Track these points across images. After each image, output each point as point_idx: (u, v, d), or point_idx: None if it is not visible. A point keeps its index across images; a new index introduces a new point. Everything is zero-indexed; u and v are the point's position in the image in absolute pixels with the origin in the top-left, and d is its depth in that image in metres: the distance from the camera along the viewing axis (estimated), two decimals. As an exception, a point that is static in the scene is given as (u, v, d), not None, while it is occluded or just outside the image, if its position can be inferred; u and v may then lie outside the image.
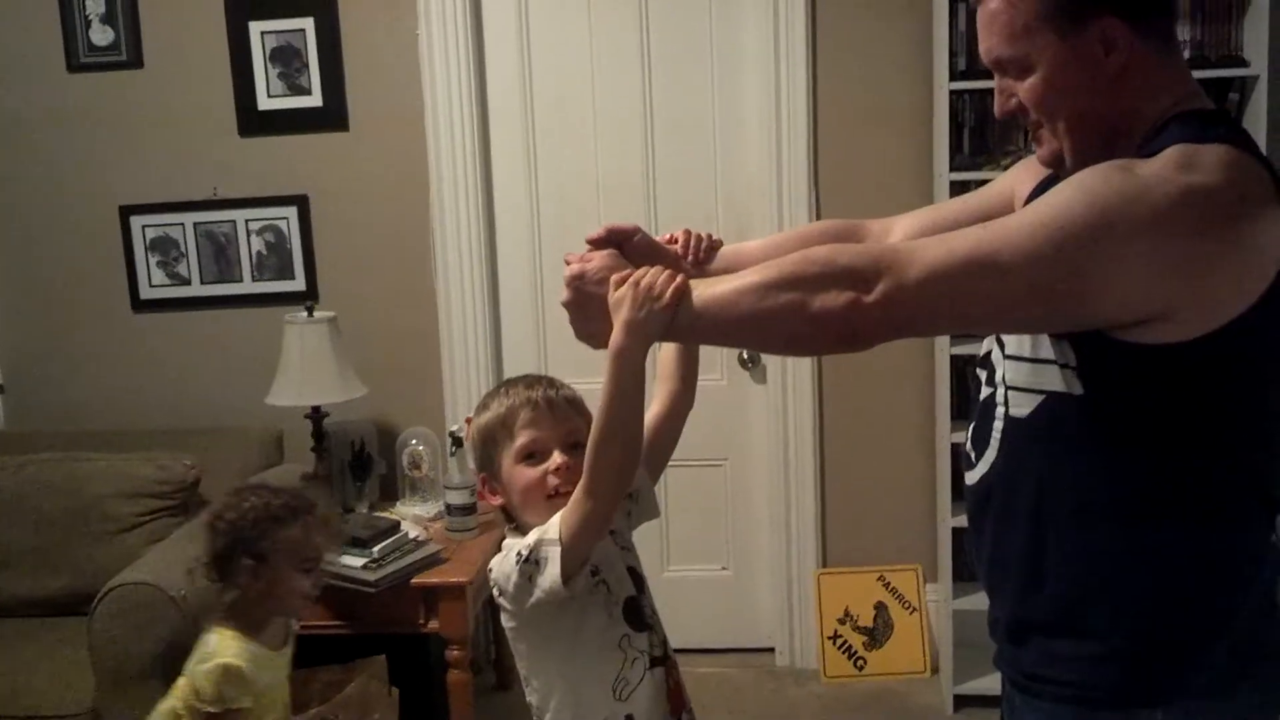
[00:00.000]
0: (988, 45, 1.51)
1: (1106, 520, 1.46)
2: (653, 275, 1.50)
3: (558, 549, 1.68)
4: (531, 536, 1.72)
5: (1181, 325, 1.34)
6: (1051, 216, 1.33)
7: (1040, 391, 1.47)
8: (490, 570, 1.81)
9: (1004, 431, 1.54)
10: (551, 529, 1.70)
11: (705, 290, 1.48)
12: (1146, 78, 1.46)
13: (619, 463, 1.62)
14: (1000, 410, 1.55)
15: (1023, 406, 1.50)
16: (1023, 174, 1.72)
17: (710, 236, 1.91)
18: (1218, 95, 3.44)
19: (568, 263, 1.65)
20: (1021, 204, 1.65)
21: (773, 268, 1.42)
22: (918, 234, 1.80)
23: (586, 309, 1.60)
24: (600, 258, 1.64)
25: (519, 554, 1.72)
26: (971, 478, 1.63)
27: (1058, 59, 1.45)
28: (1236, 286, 1.34)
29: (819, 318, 1.38)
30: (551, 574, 1.68)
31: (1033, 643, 1.56)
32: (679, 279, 1.50)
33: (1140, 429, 1.41)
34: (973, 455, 1.62)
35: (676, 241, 1.89)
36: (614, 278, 1.55)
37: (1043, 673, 1.54)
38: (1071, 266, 1.31)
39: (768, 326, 1.43)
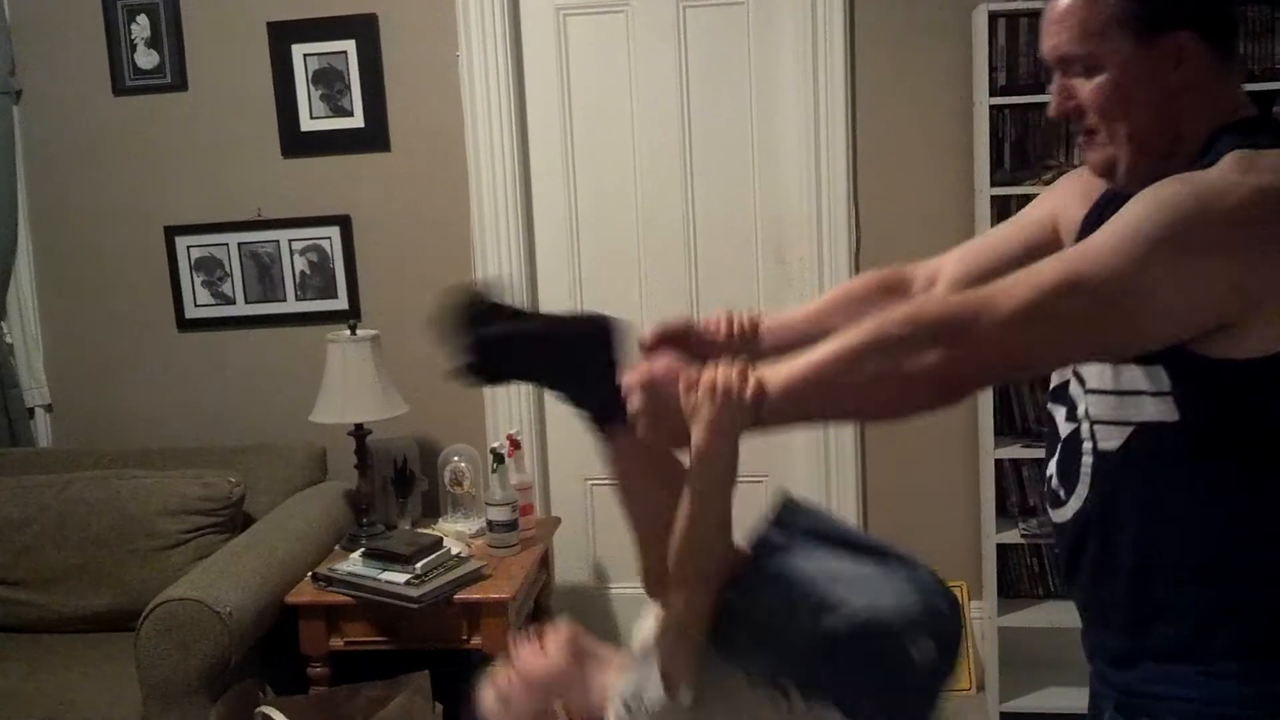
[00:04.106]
0: (1056, 42, 1.49)
1: (1221, 552, 1.43)
2: (725, 372, 1.41)
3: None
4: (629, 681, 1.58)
5: (1267, 330, 1.33)
6: (1132, 229, 1.32)
7: (1129, 423, 1.45)
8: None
9: (1094, 467, 1.51)
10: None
11: (782, 373, 1.39)
12: (1207, 93, 1.45)
13: (708, 564, 1.49)
14: (1088, 445, 1.52)
15: (1111, 440, 1.48)
16: (1065, 195, 1.69)
17: (749, 315, 1.81)
18: (1261, 109, 3.41)
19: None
20: (1071, 225, 1.63)
21: (852, 336, 1.36)
22: (966, 267, 1.78)
23: (663, 411, 1.45)
24: (661, 359, 1.51)
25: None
26: (1062, 515, 1.59)
27: (1129, 64, 1.44)
28: None
29: (915, 379, 1.33)
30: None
31: (1143, 666, 1.53)
32: (751, 370, 1.41)
33: (1242, 451, 1.40)
34: (1061, 493, 1.58)
35: (720, 330, 1.79)
36: (683, 384, 1.43)
37: (1157, 690, 1.51)
38: (1160, 273, 1.29)
39: (858, 398, 1.38)
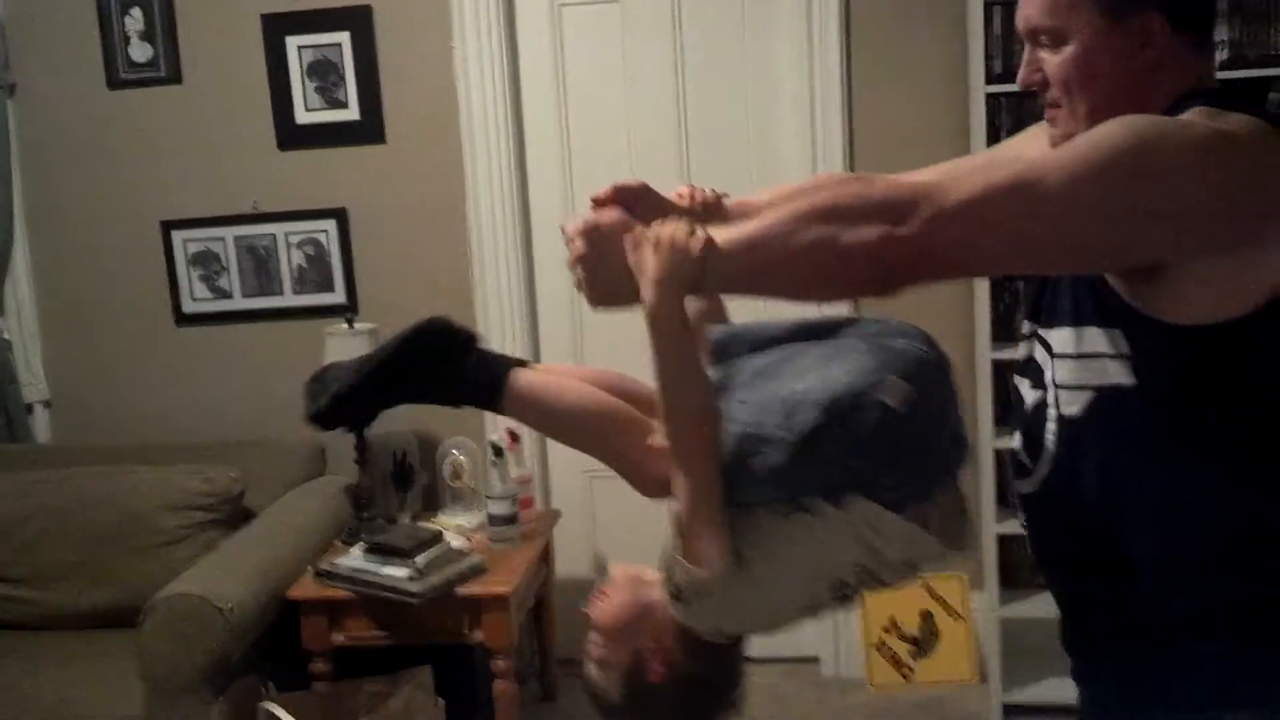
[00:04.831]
0: (1027, 13, 1.49)
1: (1182, 512, 1.43)
2: (673, 227, 1.40)
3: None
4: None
5: (1224, 286, 1.33)
6: (1092, 144, 1.32)
7: (1090, 387, 1.45)
8: None
9: (1058, 433, 1.51)
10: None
11: (730, 234, 1.39)
12: (1173, 77, 1.45)
13: (697, 431, 1.48)
14: (1052, 412, 1.51)
15: (1074, 405, 1.47)
16: (1040, 143, 1.65)
17: (713, 190, 1.79)
18: (1258, 95, 3.41)
19: (563, 229, 1.52)
20: None
21: (803, 201, 1.35)
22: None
23: (605, 260, 1.46)
24: (610, 212, 1.53)
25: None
26: (1029, 485, 1.58)
27: (1095, 39, 1.44)
28: (1272, 246, 1.33)
29: (851, 251, 1.31)
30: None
31: (1128, 652, 1.53)
32: (701, 228, 1.41)
33: (1198, 416, 1.40)
34: (1028, 462, 1.57)
35: (684, 198, 1.76)
36: (628, 237, 1.44)
37: (1127, 669, 1.52)
38: (1115, 186, 1.29)
39: (798, 263, 1.35)
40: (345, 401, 1.68)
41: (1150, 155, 1.30)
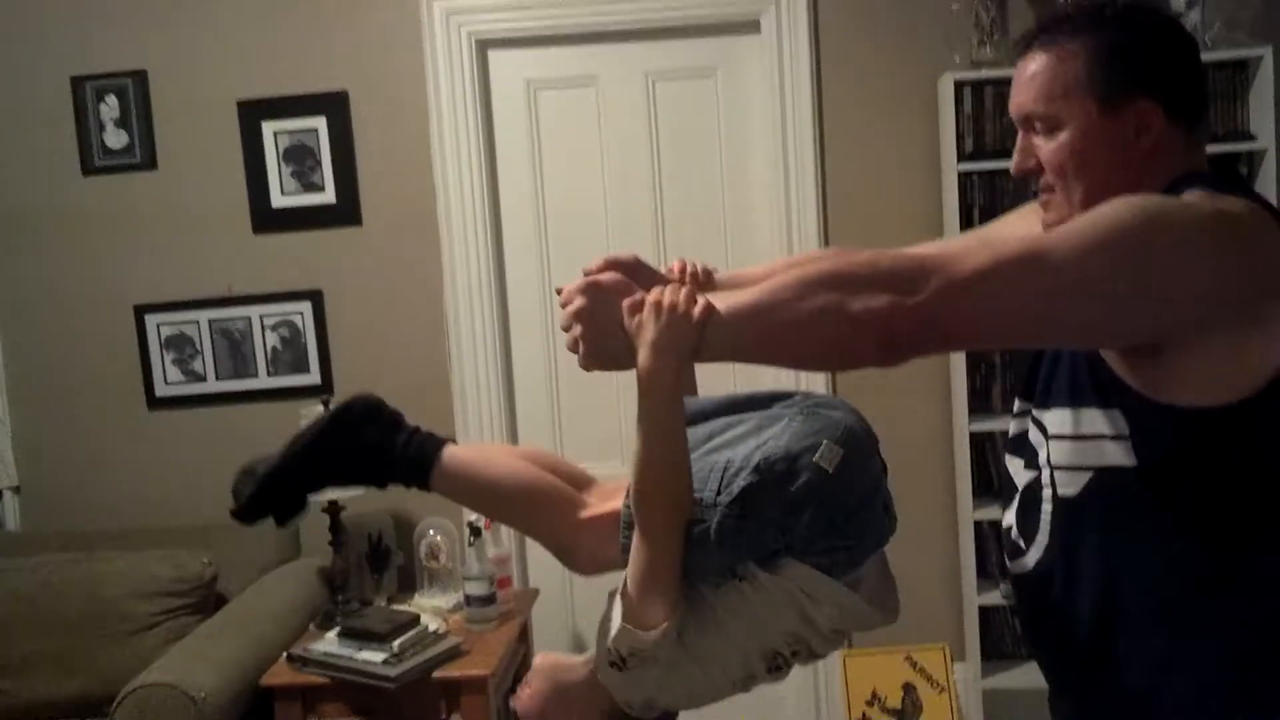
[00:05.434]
0: (1020, 100, 1.51)
1: (1180, 599, 1.43)
2: (672, 292, 1.40)
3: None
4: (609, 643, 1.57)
5: (1222, 368, 1.34)
6: (1099, 219, 1.33)
7: (1088, 468, 1.45)
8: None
9: (1053, 514, 1.51)
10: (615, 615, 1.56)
11: (731, 300, 1.39)
12: (1167, 163, 1.47)
13: (671, 500, 1.49)
14: (1047, 493, 1.52)
15: (1071, 486, 1.47)
16: (1030, 224, 1.67)
17: (703, 265, 1.81)
18: (1228, 171, 3.47)
19: (559, 291, 1.52)
20: None
21: (809, 268, 1.35)
22: None
23: (601, 318, 1.45)
24: (609, 275, 1.53)
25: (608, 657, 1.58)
26: (1022, 566, 1.58)
27: (1089, 127, 1.46)
28: (1269, 330, 1.34)
29: (858, 319, 1.30)
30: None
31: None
32: (701, 295, 1.41)
33: (1198, 498, 1.39)
34: (1021, 543, 1.57)
35: (674, 272, 1.79)
36: (626, 303, 1.44)
37: None
38: (1121, 262, 1.29)
39: (802, 330, 1.34)
40: (272, 488, 1.69)
41: (1155, 232, 1.31)
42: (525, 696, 1.70)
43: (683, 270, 1.77)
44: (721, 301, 1.39)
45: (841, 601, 1.54)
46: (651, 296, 1.42)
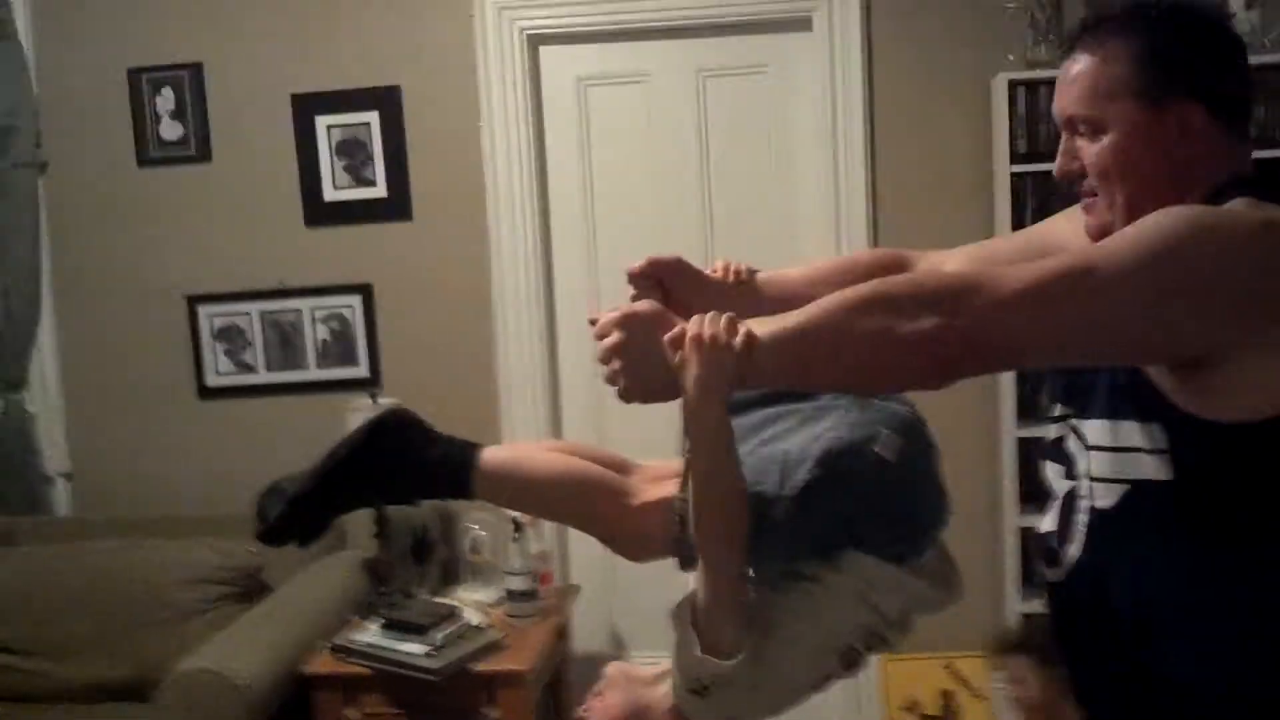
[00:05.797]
0: (1064, 103, 1.50)
1: (1211, 608, 1.41)
2: (713, 324, 1.36)
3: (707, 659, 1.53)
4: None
5: (1267, 383, 1.32)
6: (1143, 233, 1.31)
7: (1125, 481, 1.44)
8: None
9: (1089, 525, 1.50)
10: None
11: (773, 326, 1.36)
12: (1210, 167, 1.45)
13: (730, 527, 1.48)
14: (1084, 503, 1.50)
15: (1107, 498, 1.46)
16: (1074, 225, 1.64)
17: (746, 266, 1.80)
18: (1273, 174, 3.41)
19: (592, 322, 1.48)
20: None
21: (851, 293, 1.33)
22: (972, 263, 1.76)
23: (641, 351, 1.41)
24: (646, 302, 1.49)
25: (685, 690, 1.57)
26: (1056, 574, 1.57)
27: (1133, 129, 1.44)
28: None
29: (907, 342, 1.29)
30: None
31: None
32: (741, 323, 1.37)
33: (1234, 514, 1.38)
34: (1059, 552, 1.56)
35: (718, 272, 1.78)
36: (667, 339, 1.40)
37: None
38: (1168, 275, 1.28)
39: (848, 356, 1.33)
40: (302, 509, 1.65)
41: (1202, 245, 1.29)
42: (599, 708, 1.69)
43: (726, 270, 1.76)
44: (763, 327, 1.37)
45: (908, 588, 1.55)
46: (691, 330, 1.38)
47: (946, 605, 1.63)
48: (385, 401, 3.59)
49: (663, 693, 1.63)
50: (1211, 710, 1.43)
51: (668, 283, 1.68)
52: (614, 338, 1.42)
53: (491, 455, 1.66)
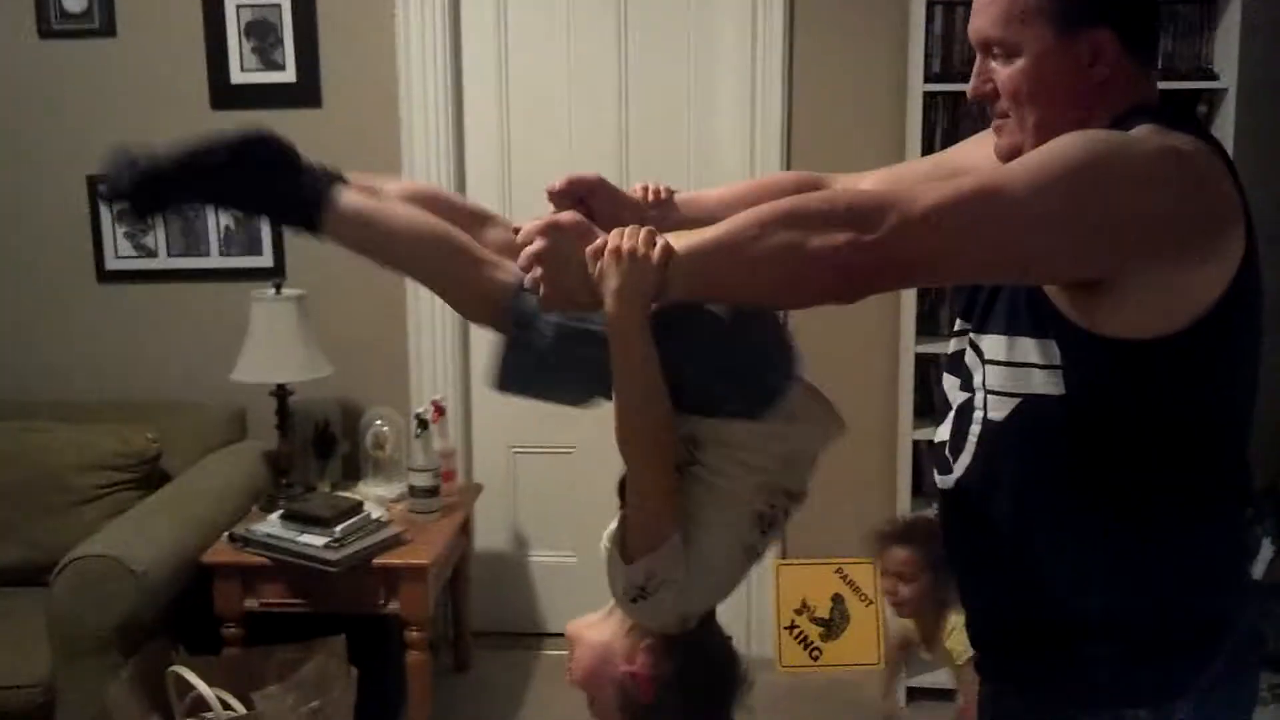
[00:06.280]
0: (980, 24, 1.52)
1: (1089, 522, 1.48)
2: (631, 236, 1.40)
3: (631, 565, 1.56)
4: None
5: (1158, 303, 1.38)
6: (1052, 155, 1.35)
7: (1017, 394, 1.49)
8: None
9: (980, 435, 1.56)
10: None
11: (690, 240, 1.40)
12: (1120, 92, 1.49)
13: (655, 432, 1.51)
14: (978, 415, 1.56)
15: (999, 410, 1.52)
16: (984, 149, 1.67)
17: (664, 185, 1.81)
18: (1187, 107, 3.49)
19: (515, 230, 1.52)
20: None
21: (766, 208, 1.37)
22: (884, 186, 1.79)
23: (563, 260, 1.44)
24: (569, 213, 1.50)
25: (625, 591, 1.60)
26: (946, 482, 1.63)
27: (1045, 53, 1.47)
28: (1204, 268, 1.38)
29: (817, 256, 1.32)
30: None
31: (1027, 650, 1.58)
32: (660, 236, 1.41)
33: (1118, 428, 1.44)
34: (951, 460, 1.62)
35: (636, 193, 1.80)
36: (589, 251, 1.43)
37: (1022, 669, 1.58)
38: (1074, 195, 1.32)
39: (761, 268, 1.36)
40: (151, 184, 1.62)
41: (1106, 167, 1.34)
42: (575, 670, 1.73)
43: (645, 191, 1.78)
44: (680, 241, 1.40)
45: (778, 437, 1.58)
46: (611, 242, 1.41)
47: (830, 441, 1.66)
48: (289, 292, 3.56)
49: (616, 621, 1.67)
50: (1081, 623, 1.51)
51: (588, 201, 1.68)
52: (537, 245, 1.44)
53: (350, 199, 1.63)
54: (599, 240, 1.43)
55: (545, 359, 1.58)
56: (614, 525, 1.60)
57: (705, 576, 1.58)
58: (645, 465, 1.52)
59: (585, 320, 1.51)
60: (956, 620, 2.85)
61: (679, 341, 1.48)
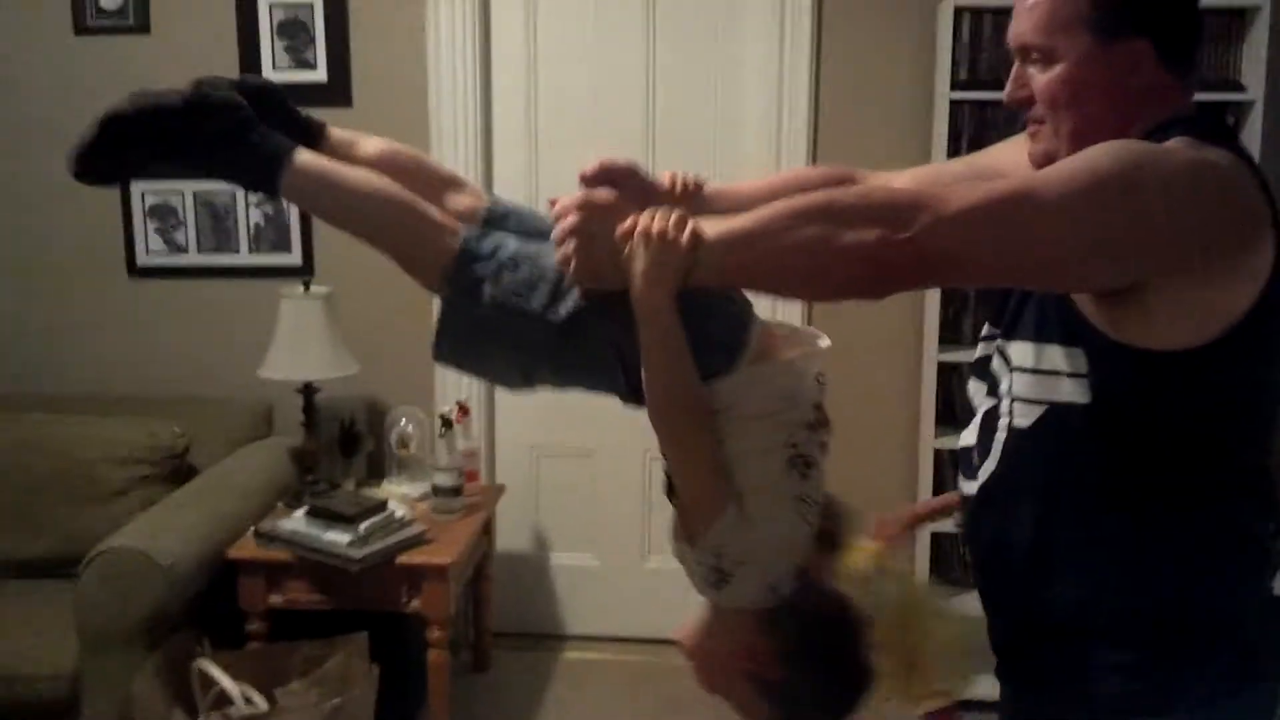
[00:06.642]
0: (1020, 29, 1.53)
1: (1111, 529, 1.49)
2: (662, 220, 1.41)
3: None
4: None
5: (1187, 315, 1.38)
6: (1085, 163, 1.36)
7: (1043, 402, 1.50)
8: None
9: (1006, 442, 1.57)
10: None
11: (722, 226, 1.40)
12: (1156, 102, 1.49)
13: (688, 412, 1.50)
14: (1004, 421, 1.57)
15: (1025, 417, 1.53)
16: (1020, 156, 1.67)
17: (695, 177, 1.81)
18: (1221, 120, 3.48)
19: (552, 203, 1.52)
20: None
21: (799, 200, 1.38)
22: (919, 185, 1.78)
23: (596, 236, 1.45)
24: (603, 191, 1.53)
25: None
26: (970, 487, 1.64)
27: (1084, 61, 1.48)
28: (1233, 280, 1.38)
29: (847, 251, 1.33)
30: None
31: (1031, 650, 1.60)
32: (690, 220, 1.41)
33: (1144, 438, 1.45)
34: (976, 465, 1.63)
35: (665, 183, 1.79)
36: (619, 231, 1.44)
37: (1044, 676, 1.58)
38: (1106, 204, 1.33)
39: (791, 260, 1.37)
40: (117, 121, 1.63)
41: (1139, 178, 1.34)
42: (703, 682, 1.68)
43: (673, 181, 1.78)
44: (712, 227, 1.40)
45: (759, 379, 1.56)
46: (641, 224, 1.42)
47: (817, 358, 1.63)
48: (318, 290, 3.59)
49: (716, 618, 1.63)
50: (1099, 629, 1.52)
51: (618, 187, 1.67)
52: (571, 220, 1.46)
53: (306, 160, 1.61)
54: (630, 220, 1.44)
55: (479, 328, 1.57)
56: (672, 523, 1.59)
57: (771, 538, 1.55)
58: (684, 441, 1.51)
59: (520, 295, 1.51)
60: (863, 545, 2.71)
61: (627, 323, 1.47)
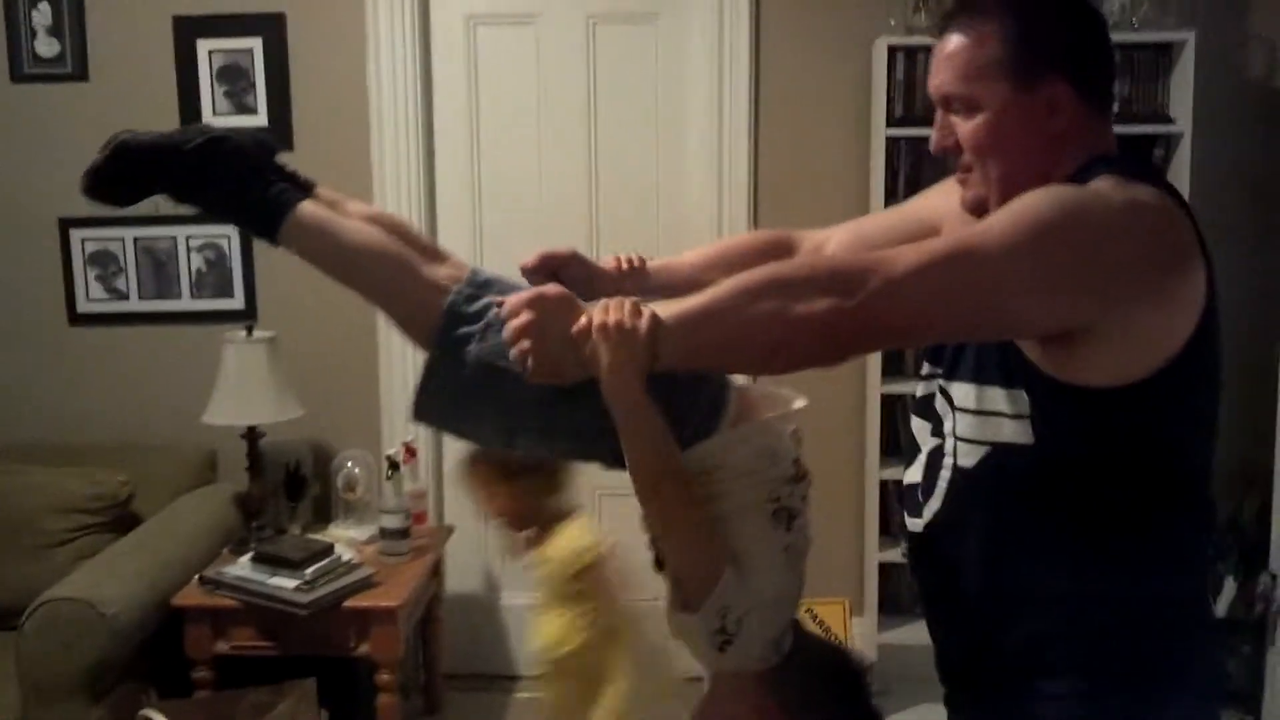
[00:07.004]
0: (939, 80, 1.55)
1: (1055, 565, 1.51)
2: (616, 311, 1.41)
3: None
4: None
5: (1128, 351, 1.41)
6: (1022, 213, 1.39)
7: (986, 443, 1.53)
8: None
9: (950, 481, 1.59)
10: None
11: (676, 308, 1.41)
12: (1079, 142, 1.53)
13: (674, 486, 1.51)
14: (948, 461, 1.59)
15: (969, 457, 1.55)
16: (951, 203, 1.69)
17: (636, 255, 1.84)
18: (1144, 151, 3.57)
19: (500, 305, 1.52)
20: (952, 233, 1.67)
21: (749, 276, 1.40)
22: (852, 243, 1.85)
23: (549, 333, 1.44)
24: (554, 288, 1.51)
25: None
26: (915, 525, 1.66)
27: (1005, 107, 1.51)
28: (1170, 314, 1.42)
29: (800, 323, 1.36)
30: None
31: (980, 685, 1.62)
32: (645, 307, 1.42)
33: (1087, 474, 1.47)
34: (921, 504, 1.65)
35: (609, 266, 1.82)
36: (575, 330, 1.43)
37: (1006, 709, 1.59)
38: (1044, 254, 1.36)
39: (747, 336, 1.39)
40: (132, 155, 1.68)
41: (1075, 223, 1.37)
42: None
43: (618, 264, 1.80)
44: (666, 310, 1.42)
45: (738, 440, 1.59)
46: (597, 318, 1.42)
47: (793, 416, 1.67)
48: (261, 334, 3.57)
49: (724, 687, 1.63)
50: (1046, 662, 1.53)
51: (561, 275, 1.71)
52: (523, 318, 1.45)
53: (310, 209, 1.66)
54: (584, 319, 1.44)
55: (464, 389, 1.59)
56: (666, 600, 1.60)
57: (768, 588, 1.57)
58: (674, 515, 1.53)
59: (503, 357, 1.52)
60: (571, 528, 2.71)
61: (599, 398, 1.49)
